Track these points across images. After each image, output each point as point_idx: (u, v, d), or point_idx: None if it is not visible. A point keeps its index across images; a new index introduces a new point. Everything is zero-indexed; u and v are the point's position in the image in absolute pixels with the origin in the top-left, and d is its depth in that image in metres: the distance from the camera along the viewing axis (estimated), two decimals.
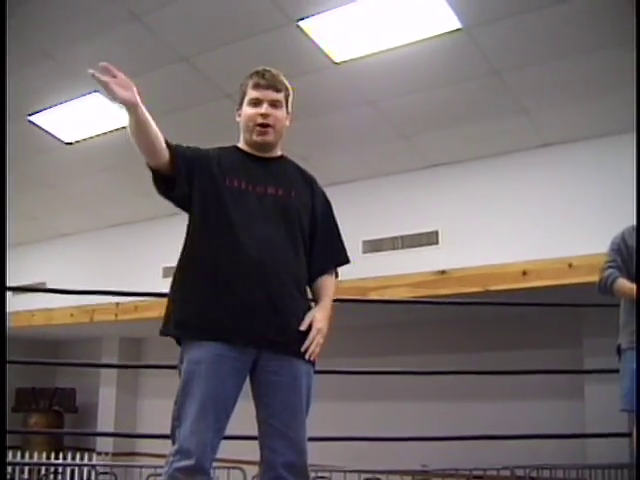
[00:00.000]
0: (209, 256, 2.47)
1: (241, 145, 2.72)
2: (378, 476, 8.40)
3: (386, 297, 7.41)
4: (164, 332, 2.51)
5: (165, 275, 8.54)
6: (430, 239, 7.73)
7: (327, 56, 6.10)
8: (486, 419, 8.19)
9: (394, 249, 7.86)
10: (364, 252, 8.05)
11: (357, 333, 9.73)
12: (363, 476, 8.47)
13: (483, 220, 7.43)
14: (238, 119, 2.72)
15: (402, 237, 7.86)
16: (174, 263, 2.61)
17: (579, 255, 6.38)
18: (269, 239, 2.50)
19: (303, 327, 2.49)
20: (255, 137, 2.65)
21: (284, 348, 2.47)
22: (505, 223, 7.27)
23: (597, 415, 7.48)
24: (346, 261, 2.80)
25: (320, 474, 8.17)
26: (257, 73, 2.68)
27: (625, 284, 3.98)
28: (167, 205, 2.63)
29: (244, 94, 2.69)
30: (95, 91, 6.74)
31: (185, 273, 2.53)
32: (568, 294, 6.41)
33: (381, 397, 9.23)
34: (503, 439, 5.97)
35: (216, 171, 2.55)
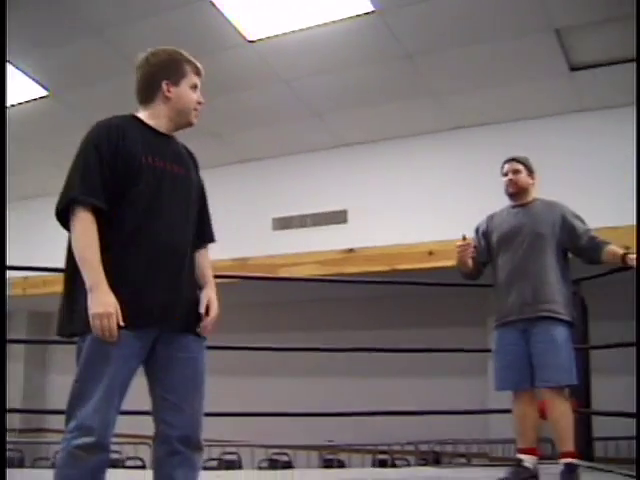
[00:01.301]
0: (121, 240, 2.41)
1: (146, 117, 2.63)
2: (285, 451, 8.52)
3: (295, 274, 7.49)
4: (71, 331, 2.43)
5: None
6: (339, 218, 7.84)
7: (241, 34, 6.11)
8: (392, 395, 8.36)
9: (303, 227, 7.93)
10: (274, 229, 8.12)
11: (266, 309, 9.82)
12: (270, 451, 8.58)
13: (391, 200, 7.58)
14: (168, 94, 2.61)
15: (312, 215, 7.95)
16: None
17: None
18: (177, 221, 2.52)
19: (202, 309, 2.53)
20: (193, 119, 2.66)
21: (185, 327, 2.50)
22: (413, 204, 7.44)
23: (498, 392, 7.71)
24: (214, 240, 2.82)
25: (228, 450, 8.25)
26: (190, 60, 2.65)
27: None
28: None
29: (183, 74, 2.63)
30: None
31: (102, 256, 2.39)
32: None
33: (289, 373, 9.33)
34: (408, 415, 6.12)
35: (131, 148, 2.49)
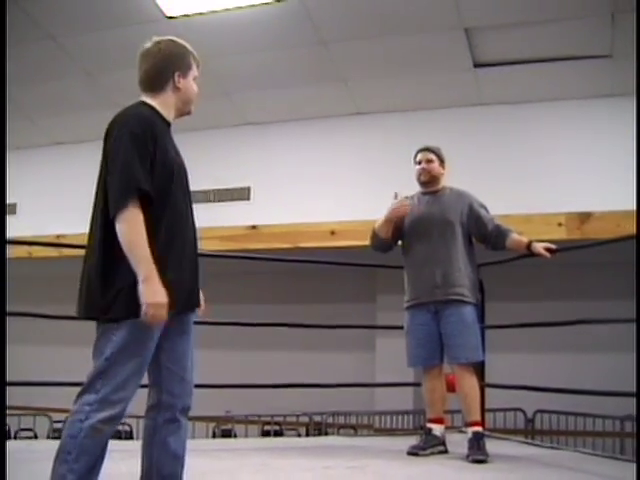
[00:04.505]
0: (161, 236, 2.48)
1: (162, 109, 2.67)
2: None
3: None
4: (110, 316, 2.45)
5: None
6: (242, 195, 7.97)
7: (160, 9, 6.14)
8: (288, 368, 8.50)
9: (207, 202, 8.00)
10: None
11: None
12: None
13: (295, 180, 7.76)
14: (178, 85, 2.69)
15: (216, 191, 8.03)
16: None
17: None
18: (191, 215, 2.66)
19: None
20: (192, 109, 2.76)
21: (194, 307, 2.69)
22: (317, 184, 7.65)
23: (386, 366, 8.04)
24: None
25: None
26: (194, 54, 2.76)
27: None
28: None
29: (190, 66, 2.73)
30: None
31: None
32: (372, 254, 6.89)
33: None
34: (302, 387, 6.38)
35: (165, 143, 2.56)
